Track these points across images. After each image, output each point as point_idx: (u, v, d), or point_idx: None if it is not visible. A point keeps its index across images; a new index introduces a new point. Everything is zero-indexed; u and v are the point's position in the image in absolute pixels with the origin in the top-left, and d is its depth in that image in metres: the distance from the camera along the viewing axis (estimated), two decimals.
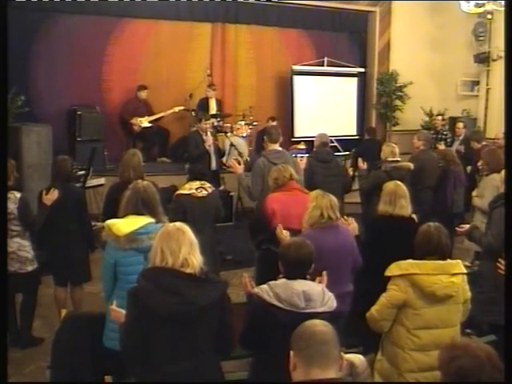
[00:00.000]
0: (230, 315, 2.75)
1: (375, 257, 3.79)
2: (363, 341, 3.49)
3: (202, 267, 2.64)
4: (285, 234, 4.00)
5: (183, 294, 2.56)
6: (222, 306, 2.67)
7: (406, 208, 4.09)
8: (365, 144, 8.76)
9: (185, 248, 2.62)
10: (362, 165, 6.40)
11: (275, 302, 2.77)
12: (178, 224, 2.75)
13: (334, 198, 3.88)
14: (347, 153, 8.62)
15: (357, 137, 10.80)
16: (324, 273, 3.20)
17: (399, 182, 4.25)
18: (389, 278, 3.17)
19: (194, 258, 2.61)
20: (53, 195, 4.69)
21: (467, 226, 4.46)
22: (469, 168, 7.46)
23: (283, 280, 2.90)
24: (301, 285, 2.83)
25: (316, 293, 2.82)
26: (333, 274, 3.24)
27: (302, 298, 2.77)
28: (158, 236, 2.71)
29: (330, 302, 2.85)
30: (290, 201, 4.35)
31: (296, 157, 6.48)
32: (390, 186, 4.20)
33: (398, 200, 4.07)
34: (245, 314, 2.97)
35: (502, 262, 3.64)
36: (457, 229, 4.43)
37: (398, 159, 6.05)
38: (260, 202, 5.22)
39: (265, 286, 2.87)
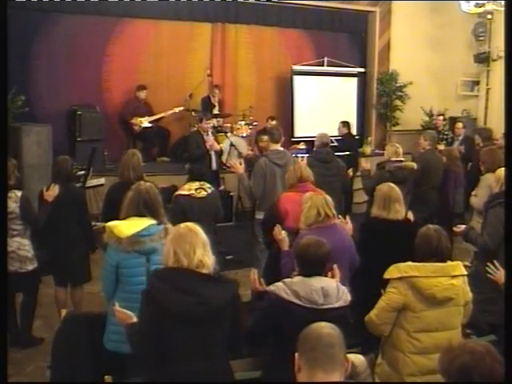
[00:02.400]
0: (242, 314, 2.76)
1: (370, 259, 3.79)
2: (363, 341, 3.49)
3: (215, 267, 2.65)
4: (283, 235, 4.01)
5: (200, 293, 2.56)
6: (234, 306, 2.68)
7: (400, 212, 4.03)
8: (343, 140, 8.64)
9: (199, 249, 2.62)
10: (365, 164, 6.40)
11: (294, 300, 2.79)
12: (189, 225, 2.74)
13: (328, 197, 3.90)
14: (347, 153, 8.61)
15: (357, 137, 10.79)
16: (335, 266, 3.22)
17: (393, 185, 4.17)
18: (386, 281, 3.15)
19: (207, 259, 2.62)
20: (53, 191, 4.68)
21: (463, 227, 4.45)
22: (469, 165, 7.44)
23: (300, 277, 2.91)
24: (318, 281, 2.86)
25: (332, 288, 2.86)
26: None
27: (320, 295, 2.80)
28: (169, 238, 2.71)
29: (345, 296, 2.89)
30: (302, 201, 4.33)
31: (297, 157, 6.48)
32: (384, 189, 4.10)
33: (393, 205, 4.00)
34: (255, 312, 2.98)
35: (492, 266, 3.62)
36: (454, 229, 4.43)
37: (402, 159, 6.06)
38: (263, 199, 5.24)
39: (280, 284, 2.88)
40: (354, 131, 10.73)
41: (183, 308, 2.53)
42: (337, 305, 2.82)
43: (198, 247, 2.62)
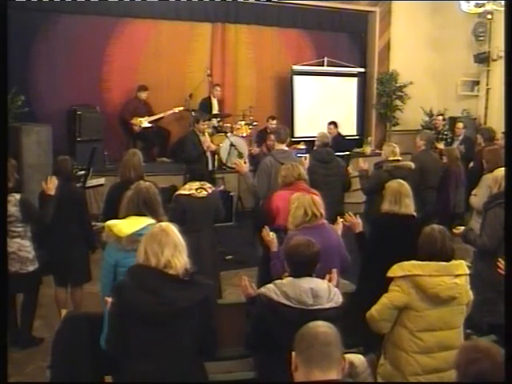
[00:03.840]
0: (215, 317, 2.73)
1: (380, 255, 3.79)
2: (363, 341, 3.49)
3: (186, 268, 2.63)
4: (271, 236, 4.02)
5: (163, 294, 2.56)
6: (206, 308, 2.65)
7: (410, 206, 4.08)
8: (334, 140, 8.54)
9: (168, 250, 2.61)
10: (363, 165, 6.41)
11: (283, 301, 2.79)
12: (163, 225, 2.75)
13: (316, 197, 3.91)
14: (347, 153, 8.61)
15: (357, 137, 10.81)
16: (334, 270, 3.24)
17: (402, 181, 4.23)
18: (390, 278, 3.14)
19: (177, 260, 2.60)
20: (52, 183, 4.67)
21: (462, 228, 4.45)
22: (471, 164, 7.42)
23: (290, 278, 2.91)
24: (308, 282, 2.85)
25: (322, 289, 2.86)
26: (321, 274, 3.24)
27: (310, 295, 2.79)
28: (144, 236, 2.73)
29: (336, 298, 2.88)
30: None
31: (301, 157, 6.48)
32: (393, 185, 4.16)
33: (403, 199, 4.05)
34: (249, 317, 2.97)
35: (502, 262, 3.62)
36: (453, 231, 4.43)
37: (399, 158, 6.07)
38: (265, 198, 5.23)
39: (271, 286, 2.88)
40: (354, 131, 10.80)
41: (145, 307, 2.54)
42: (327, 306, 2.81)
43: (167, 247, 2.61)
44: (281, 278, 2.99)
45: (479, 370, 1.88)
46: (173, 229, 2.71)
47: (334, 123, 8.62)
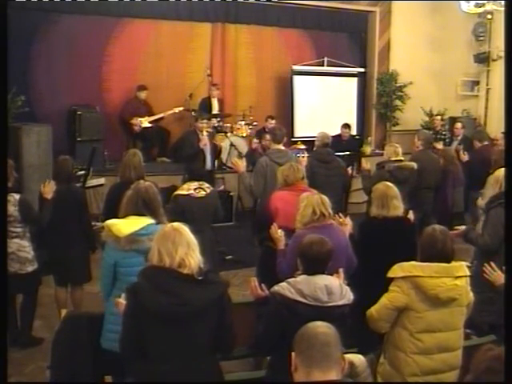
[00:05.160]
0: (230, 315, 2.74)
1: (370, 258, 3.79)
2: (362, 341, 3.49)
3: (200, 267, 2.63)
4: (279, 234, 4.02)
5: (179, 294, 2.56)
6: (221, 307, 2.66)
7: (399, 208, 4.07)
8: (348, 141, 8.72)
9: (182, 249, 2.61)
10: (366, 165, 6.41)
11: (299, 298, 2.80)
12: (175, 224, 2.75)
13: (324, 196, 3.91)
14: (347, 153, 8.62)
15: (357, 137, 10.81)
16: (340, 270, 3.26)
17: (389, 183, 4.21)
18: (389, 279, 3.14)
19: (191, 259, 2.61)
20: (49, 187, 4.67)
21: (463, 227, 4.45)
22: (463, 153, 7.41)
23: (303, 276, 2.93)
24: (322, 279, 2.88)
25: (335, 286, 2.89)
26: (329, 273, 3.24)
27: (324, 292, 2.82)
28: (155, 236, 2.72)
29: (348, 295, 2.92)
30: (294, 201, 4.30)
31: (299, 156, 6.48)
32: (380, 187, 4.15)
33: (391, 201, 4.03)
34: (260, 318, 2.97)
35: (488, 267, 3.61)
36: (451, 232, 4.43)
37: (402, 159, 6.07)
38: (263, 198, 5.24)
39: (284, 284, 2.89)
40: (353, 131, 10.79)
41: (162, 308, 2.54)
42: (340, 303, 2.84)
43: (180, 246, 2.61)
44: (293, 276, 3.00)
45: (493, 380, 1.89)
46: (185, 228, 2.71)
47: (348, 126, 8.70)
